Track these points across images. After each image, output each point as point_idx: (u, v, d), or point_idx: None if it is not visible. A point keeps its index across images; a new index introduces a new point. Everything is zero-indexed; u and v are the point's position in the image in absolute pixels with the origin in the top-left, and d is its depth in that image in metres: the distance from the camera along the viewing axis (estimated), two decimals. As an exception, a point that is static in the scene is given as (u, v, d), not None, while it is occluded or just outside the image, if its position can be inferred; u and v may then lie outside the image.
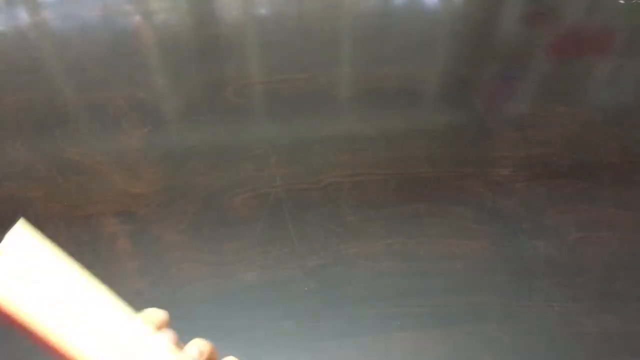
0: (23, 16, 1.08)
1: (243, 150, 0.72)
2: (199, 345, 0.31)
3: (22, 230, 0.27)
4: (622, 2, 1.12)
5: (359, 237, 0.59)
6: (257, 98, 0.84)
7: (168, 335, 0.30)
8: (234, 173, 0.69)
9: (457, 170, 0.69)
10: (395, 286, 0.54)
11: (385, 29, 1.04)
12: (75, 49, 0.96)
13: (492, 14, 1.10)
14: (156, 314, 0.31)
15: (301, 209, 0.63)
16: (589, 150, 0.72)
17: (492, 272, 0.56)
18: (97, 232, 0.59)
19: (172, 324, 0.32)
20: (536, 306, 0.52)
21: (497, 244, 0.59)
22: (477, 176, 0.68)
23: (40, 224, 0.61)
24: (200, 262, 0.56)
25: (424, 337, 0.49)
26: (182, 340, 0.33)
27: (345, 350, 0.49)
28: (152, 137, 0.75)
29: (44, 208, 0.63)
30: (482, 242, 0.59)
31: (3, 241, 0.27)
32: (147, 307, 0.37)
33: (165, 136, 0.75)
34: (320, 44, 0.98)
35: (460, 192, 0.65)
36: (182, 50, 0.97)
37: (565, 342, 0.49)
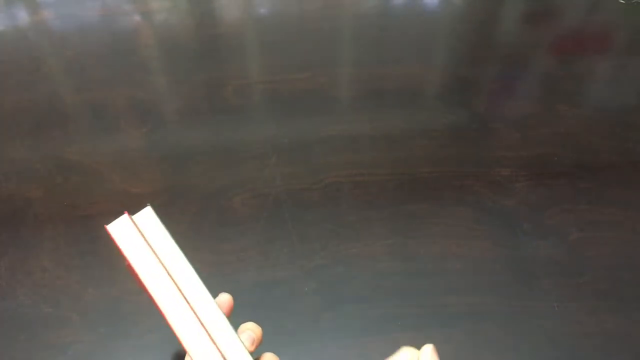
0: (22, 16, 1.08)
1: (243, 150, 0.72)
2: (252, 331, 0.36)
3: (151, 212, 0.35)
4: (622, 1, 1.12)
5: (359, 237, 0.59)
6: (257, 98, 0.84)
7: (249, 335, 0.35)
8: (234, 173, 0.68)
9: (457, 170, 0.69)
10: (395, 286, 0.54)
11: (385, 29, 1.04)
12: (75, 48, 0.96)
13: (492, 14, 1.10)
14: (253, 328, 0.36)
15: (301, 209, 0.63)
16: (590, 150, 0.72)
17: (492, 272, 0.56)
18: (97, 232, 0.59)
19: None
20: (536, 306, 0.52)
21: (497, 244, 0.59)
22: (477, 176, 0.68)
23: (40, 224, 0.62)
24: (200, 262, 0.56)
25: (424, 337, 0.49)
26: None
27: (345, 350, 0.48)
28: (151, 137, 0.75)
29: (43, 208, 0.63)
30: (482, 242, 0.59)
31: (136, 214, 0.34)
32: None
33: (165, 136, 0.75)
34: (320, 44, 0.98)
35: (460, 192, 0.65)
36: (182, 50, 0.97)
37: (565, 342, 0.49)
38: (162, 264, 0.34)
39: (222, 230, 0.60)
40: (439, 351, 0.33)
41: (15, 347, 0.48)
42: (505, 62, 0.94)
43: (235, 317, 0.37)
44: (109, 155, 0.71)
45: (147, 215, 0.35)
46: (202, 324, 0.33)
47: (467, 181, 0.67)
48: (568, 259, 0.57)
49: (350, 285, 0.54)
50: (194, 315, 0.33)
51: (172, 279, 0.34)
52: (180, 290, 0.34)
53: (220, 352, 0.33)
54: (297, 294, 0.53)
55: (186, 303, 0.33)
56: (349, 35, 1.02)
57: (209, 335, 0.33)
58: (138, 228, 0.34)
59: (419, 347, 0.34)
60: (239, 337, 0.34)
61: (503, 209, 0.63)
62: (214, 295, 0.36)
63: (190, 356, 0.33)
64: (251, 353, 0.34)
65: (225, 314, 0.36)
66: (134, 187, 0.66)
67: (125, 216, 0.34)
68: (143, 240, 0.34)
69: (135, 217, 0.35)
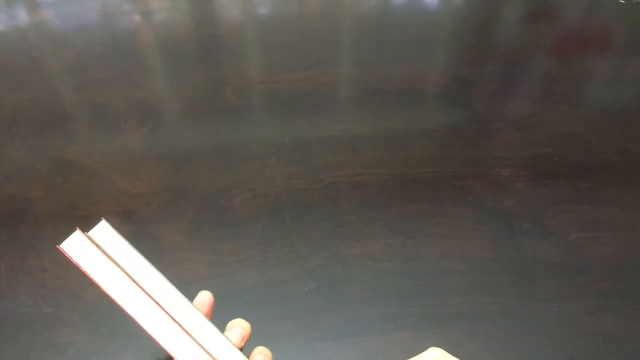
0: (22, 16, 1.08)
1: (243, 150, 0.72)
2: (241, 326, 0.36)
3: (106, 225, 0.34)
4: (622, 1, 1.12)
5: (359, 237, 0.59)
6: (257, 98, 0.84)
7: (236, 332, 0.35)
8: (234, 173, 0.68)
9: (457, 170, 0.69)
10: (395, 286, 0.54)
11: (385, 29, 1.04)
12: (75, 49, 0.96)
13: (492, 14, 1.10)
14: (242, 324, 0.36)
15: (301, 209, 0.63)
16: (590, 150, 0.72)
17: (492, 272, 0.56)
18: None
19: (171, 324, 0.33)
20: (536, 306, 0.52)
21: (497, 244, 0.59)
22: (477, 176, 0.68)
23: (40, 224, 0.62)
24: (200, 262, 0.56)
25: (424, 337, 0.49)
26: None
27: (345, 350, 0.48)
28: (151, 137, 0.75)
29: (43, 208, 0.63)
30: (482, 242, 0.59)
31: (92, 230, 0.34)
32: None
33: (165, 136, 0.75)
34: (320, 44, 0.98)
35: (460, 192, 0.65)
36: (182, 50, 0.97)
37: (565, 342, 0.49)
38: (128, 275, 0.32)
39: (222, 230, 0.60)
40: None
41: (15, 347, 0.48)
42: (505, 62, 0.94)
43: (236, 317, 0.37)
44: (109, 155, 0.71)
45: (103, 230, 0.34)
46: (182, 328, 0.32)
47: (467, 181, 0.67)
48: (568, 259, 0.57)
49: (350, 285, 0.54)
50: (173, 321, 0.32)
51: (142, 289, 0.32)
52: (153, 298, 0.32)
53: (208, 353, 0.32)
54: (297, 294, 0.53)
55: (162, 311, 0.32)
56: (349, 35, 1.02)
57: (192, 337, 0.32)
58: (95, 243, 0.32)
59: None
60: (223, 334, 0.34)
61: (503, 209, 0.63)
62: (193, 295, 0.36)
63: None
64: (241, 349, 0.34)
65: (207, 313, 0.36)
66: (134, 187, 0.66)
67: (78, 232, 0.32)
68: (102, 254, 0.32)
69: (91, 233, 0.33)
